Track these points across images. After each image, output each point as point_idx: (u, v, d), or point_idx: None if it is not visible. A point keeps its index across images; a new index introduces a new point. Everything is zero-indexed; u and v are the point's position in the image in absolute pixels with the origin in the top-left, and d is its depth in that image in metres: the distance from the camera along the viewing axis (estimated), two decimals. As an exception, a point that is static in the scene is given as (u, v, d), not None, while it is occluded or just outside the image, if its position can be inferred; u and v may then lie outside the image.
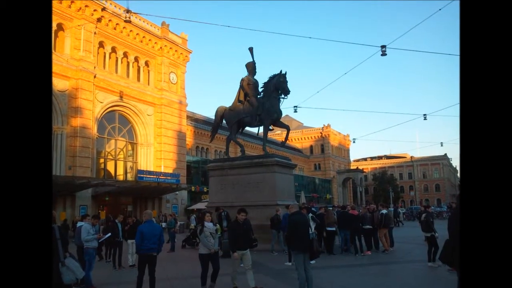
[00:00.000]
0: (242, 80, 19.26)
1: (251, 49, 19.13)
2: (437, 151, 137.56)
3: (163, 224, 25.20)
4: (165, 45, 39.24)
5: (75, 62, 30.23)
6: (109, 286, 10.47)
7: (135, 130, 37.40)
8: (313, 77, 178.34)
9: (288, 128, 19.73)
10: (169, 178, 37.16)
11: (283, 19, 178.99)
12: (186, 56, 42.08)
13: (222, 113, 19.82)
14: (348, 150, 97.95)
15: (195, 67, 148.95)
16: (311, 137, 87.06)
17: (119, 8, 34.28)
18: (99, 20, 32.47)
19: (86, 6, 31.02)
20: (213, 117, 21.08)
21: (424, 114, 28.46)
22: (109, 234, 12.18)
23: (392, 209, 32.41)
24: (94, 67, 31.71)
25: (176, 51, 40.57)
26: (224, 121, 20.21)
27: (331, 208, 18.93)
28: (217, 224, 11.13)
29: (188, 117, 45.62)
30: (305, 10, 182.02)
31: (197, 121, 52.53)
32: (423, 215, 12.59)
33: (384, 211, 15.92)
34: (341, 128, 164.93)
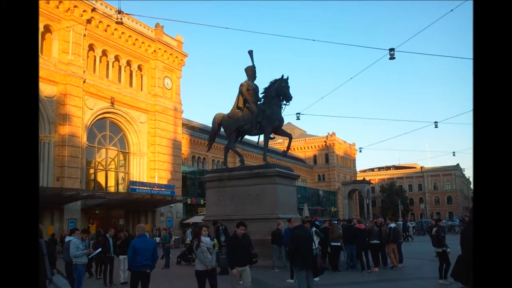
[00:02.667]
0: (241, 85, 19.30)
1: (250, 53, 19.20)
2: (449, 161, 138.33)
3: (157, 239, 25.12)
4: (159, 48, 39.35)
5: (63, 66, 30.31)
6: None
7: (127, 138, 37.42)
8: (316, 82, 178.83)
9: (290, 137, 19.73)
10: (163, 189, 37.06)
11: (285, 21, 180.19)
12: (181, 59, 42.22)
13: (220, 121, 19.82)
14: (354, 160, 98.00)
15: (191, 71, 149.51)
16: (314, 146, 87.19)
17: (110, 9, 34.44)
18: (89, 21, 32.61)
19: (75, 6, 31.15)
20: (210, 125, 21.10)
21: (435, 122, 28.59)
22: (100, 249, 12.19)
23: (401, 222, 32.28)
24: (84, 72, 31.76)
25: (171, 54, 40.70)
26: (222, 129, 20.23)
27: (336, 222, 18.91)
28: (215, 239, 11.10)
29: (183, 124, 45.67)
30: (308, 11, 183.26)
31: (193, 129, 52.55)
32: (434, 229, 12.60)
33: (393, 225, 15.91)
34: (346, 136, 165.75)
